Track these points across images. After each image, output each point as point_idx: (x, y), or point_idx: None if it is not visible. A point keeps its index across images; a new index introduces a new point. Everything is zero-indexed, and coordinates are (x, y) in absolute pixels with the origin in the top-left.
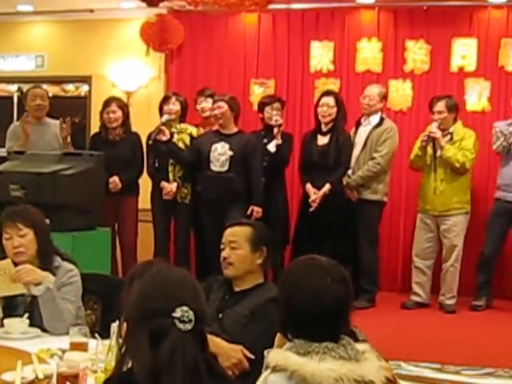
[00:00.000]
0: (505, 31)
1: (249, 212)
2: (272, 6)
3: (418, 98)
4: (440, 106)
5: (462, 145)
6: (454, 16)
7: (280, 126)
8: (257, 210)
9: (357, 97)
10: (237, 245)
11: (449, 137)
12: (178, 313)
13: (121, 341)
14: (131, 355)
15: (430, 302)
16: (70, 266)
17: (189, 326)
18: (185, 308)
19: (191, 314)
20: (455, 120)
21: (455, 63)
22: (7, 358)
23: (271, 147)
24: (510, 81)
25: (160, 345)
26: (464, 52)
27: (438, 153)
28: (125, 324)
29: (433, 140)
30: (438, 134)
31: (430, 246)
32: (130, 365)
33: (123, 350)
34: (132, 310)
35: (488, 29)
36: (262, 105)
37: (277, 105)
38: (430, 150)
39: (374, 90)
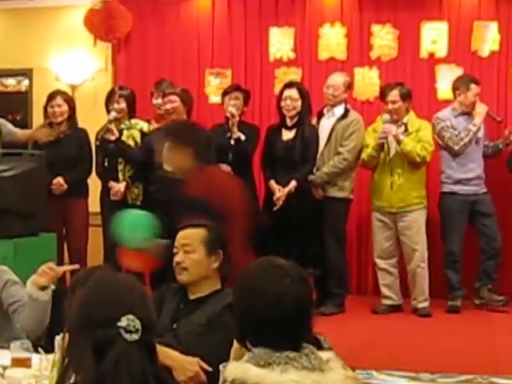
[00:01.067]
0: (477, 13)
1: None
2: None
3: None
4: (393, 95)
5: (419, 136)
6: None
7: (232, 117)
8: None
9: (320, 86)
10: (191, 248)
11: (403, 128)
12: (123, 322)
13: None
14: (74, 368)
15: (402, 302)
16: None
17: (135, 336)
18: (131, 317)
19: (138, 324)
20: (407, 110)
21: (425, 49)
22: None
23: (233, 141)
24: (484, 66)
25: (104, 356)
26: (434, 37)
27: (395, 147)
28: (67, 335)
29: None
30: (393, 130)
31: (390, 245)
32: (73, 379)
33: (65, 362)
34: (74, 319)
35: (459, 11)
36: (223, 95)
37: (235, 94)
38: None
39: (338, 79)
